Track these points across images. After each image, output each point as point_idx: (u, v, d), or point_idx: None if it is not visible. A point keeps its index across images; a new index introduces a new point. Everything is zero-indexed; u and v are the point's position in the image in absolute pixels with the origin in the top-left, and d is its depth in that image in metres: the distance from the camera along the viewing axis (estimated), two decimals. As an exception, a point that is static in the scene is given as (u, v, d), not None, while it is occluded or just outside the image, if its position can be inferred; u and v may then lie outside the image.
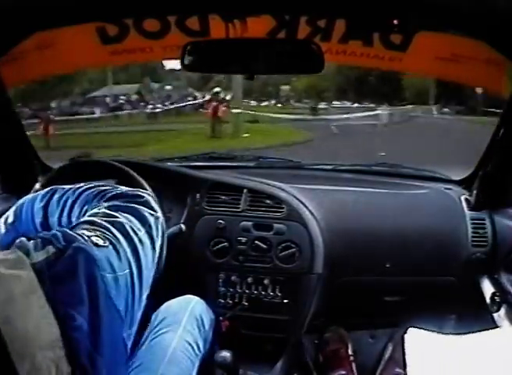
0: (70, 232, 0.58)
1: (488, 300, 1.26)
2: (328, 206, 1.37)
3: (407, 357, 1.22)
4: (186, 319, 1.03)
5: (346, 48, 1.30)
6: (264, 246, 1.29)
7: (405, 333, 1.29)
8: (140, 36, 1.26)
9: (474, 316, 1.34)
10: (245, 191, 1.34)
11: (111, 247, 0.59)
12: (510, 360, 1.04)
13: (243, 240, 1.30)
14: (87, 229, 0.61)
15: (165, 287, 1.15)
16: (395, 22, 0.99)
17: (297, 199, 1.33)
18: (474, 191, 1.37)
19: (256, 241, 1.29)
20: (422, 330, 1.28)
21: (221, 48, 1.01)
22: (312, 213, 1.32)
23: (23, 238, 0.55)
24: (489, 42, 0.91)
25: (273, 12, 1.08)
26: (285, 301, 1.30)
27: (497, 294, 1.23)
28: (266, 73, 1.06)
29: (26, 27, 0.94)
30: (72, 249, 0.54)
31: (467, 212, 1.37)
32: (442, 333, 1.23)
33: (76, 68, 1.45)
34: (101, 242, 0.58)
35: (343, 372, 1.40)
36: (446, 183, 1.52)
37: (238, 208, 1.33)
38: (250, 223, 1.31)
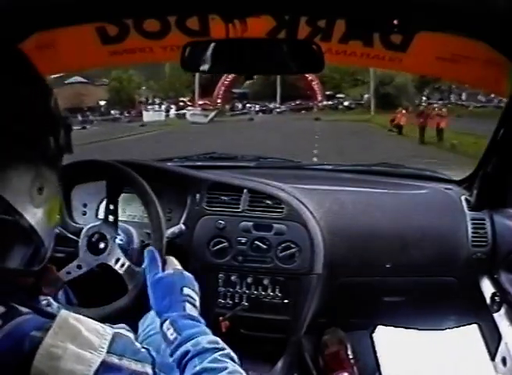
0: None
1: (488, 300, 1.26)
2: (328, 206, 1.37)
3: (378, 352, 1.26)
4: None
5: (346, 48, 1.30)
6: (264, 246, 1.29)
7: (373, 332, 1.33)
8: (140, 36, 1.26)
9: (474, 316, 1.34)
10: (245, 191, 1.34)
11: None
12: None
13: (243, 240, 1.30)
14: None
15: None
16: (395, 22, 0.99)
17: (297, 199, 1.33)
18: (474, 191, 1.37)
19: (256, 241, 1.29)
20: (389, 327, 1.32)
21: (221, 48, 1.01)
22: (312, 213, 1.32)
23: None
24: (489, 42, 0.91)
25: (273, 12, 1.08)
26: (285, 301, 1.30)
27: (497, 294, 1.23)
28: (266, 73, 1.06)
29: (26, 27, 0.94)
30: None
31: (467, 212, 1.37)
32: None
33: (76, 68, 1.45)
34: None
35: (345, 374, 1.40)
36: (446, 183, 1.52)
37: (238, 208, 1.33)
38: (250, 224, 1.31)
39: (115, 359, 0.55)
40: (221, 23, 1.00)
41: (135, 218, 1.33)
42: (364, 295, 1.41)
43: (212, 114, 27.10)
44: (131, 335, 0.62)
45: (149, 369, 0.58)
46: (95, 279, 1.12)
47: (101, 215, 1.37)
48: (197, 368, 0.69)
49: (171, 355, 0.77)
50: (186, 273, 0.94)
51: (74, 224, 1.27)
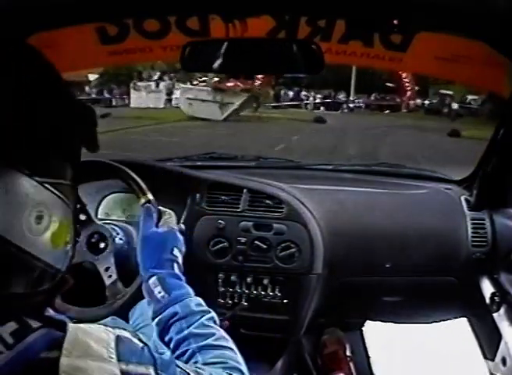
0: None
1: (488, 300, 1.26)
2: (328, 206, 1.37)
3: (368, 347, 1.27)
4: None
5: (346, 48, 1.30)
6: (264, 246, 1.29)
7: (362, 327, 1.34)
8: (140, 36, 1.26)
9: (474, 316, 1.34)
10: (245, 191, 1.34)
11: None
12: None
13: (243, 240, 1.30)
14: None
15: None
16: (395, 22, 0.99)
17: (297, 199, 1.33)
18: (474, 191, 1.37)
19: (256, 241, 1.29)
20: (377, 322, 1.33)
21: (221, 48, 1.01)
22: (312, 213, 1.32)
23: None
24: (489, 42, 0.91)
25: (273, 12, 1.08)
26: (284, 301, 1.30)
27: (497, 294, 1.23)
28: (266, 73, 1.06)
29: (26, 27, 0.94)
30: None
31: (467, 212, 1.37)
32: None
33: (76, 68, 1.45)
34: None
35: (342, 374, 1.41)
36: (446, 183, 1.52)
37: (238, 208, 1.33)
38: (250, 223, 1.31)
39: (123, 366, 0.56)
40: (221, 23, 1.00)
41: (135, 218, 1.33)
42: (363, 295, 1.41)
43: (236, 103, 15.03)
44: (127, 333, 0.63)
45: (152, 371, 0.59)
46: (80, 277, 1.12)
47: (101, 215, 1.38)
48: (185, 332, 0.72)
49: (155, 313, 0.78)
50: (179, 234, 0.96)
51: None
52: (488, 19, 0.80)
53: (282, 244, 1.28)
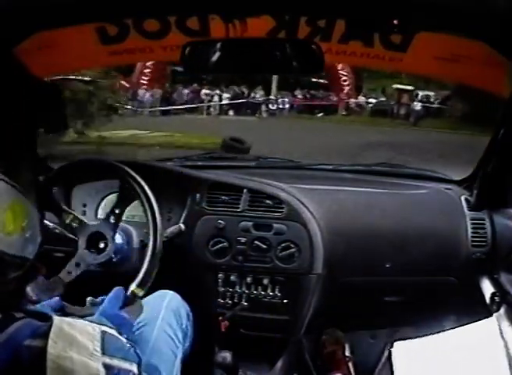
0: None
1: (487, 300, 1.26)
2: (328, 206, 1.37)
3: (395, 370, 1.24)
4: (163, 312, 1.06)
5: (346, 48, 1.30)
6: (264, 246, 1.29)
7: (391, 347, 1.31)
8: (140, 36, 1.26)
9: (474, 316, 1.34)
10: (245, 191, 1.34)
11: None
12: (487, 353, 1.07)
13: (243, 240, 1.30)
14: None
15: (164, 287, 1.16)
16: (395, 22, 0.99)
17: (297, 199, 1.33)
18: (474, 191, 1.37)
19: (256, 241, 1.29)
20: (407, 342, 1.29)
21: (221, 48, 1.01)
22: (312, 213, 1.32)
23: None
24: (489, 42, 0.91)
25: (273, 12, 1.08)
26: (284, 301, 1.30)
27: (497, 294, 1.23)
28: (266, 73, 1.06)
29: (26, 27, 0.94)
30: None
31: (467, 212, 1.37)
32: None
33: (76, 68, 1.45)
34: None
35: (339, 374, 1.41)
36: (446, 183, 1.52)
37: (238, 208, 1.33)
38: (249, 223, 1.31)
39: (107, 359, 0.58)
40: (221, 23, 1.00)
41: (135, 218, 1.33)
42: (363, 295, 1.41)
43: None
44: (114, 331, 0.63)
45: (135, 368, 0.61)
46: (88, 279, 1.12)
47: (101, 215, 1.38)
48: None
49: None
50: (134, 327, 0.93)
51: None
52: (488, 19, 0.80)
53: (282, 244, 1.28)
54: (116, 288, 0.93)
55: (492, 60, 1.08)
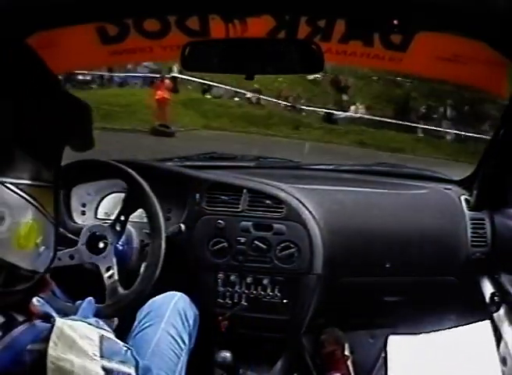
0: None
1: (487, 300, 1.26)
2: (327, 206, 1.37)
3: (388, 363, 1.24)
4: (169, 313, 1.05)
5: (346, 48, 1.30)
6: (264, 246, 1.29)
7: (386, 340, 1.31)
8: (140, 36, 1.26)
9: (473, 316, 1.34)
10: (245, 191, 1.34)
11: None
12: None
13: (243, 240, 1.30)
14: None
15: (164, 287, 1.16)
16: (395, 22, 0.99)
17: (297, 199, 1.33)
18: (474, 191, 1.37)
19: (255, 241, 1.29)
20: (401, 336, 1.29)
21: (221, 48, 1.01)
22: (312, 213, 1.32)
23: None
24: (489, 42, 0.91)
25: (273, 12, 1.08)
26: (284, 301, 1.30)
27: (497, 294, 1.23)
28: (266, 73, 1.06)
29: (26, 27, 0.94)
30: None
31: (467, 212, 1.37)
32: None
33: (76, 68, 1.45)
34: None
35: (338, 374, 1.40)
36: (446, 183, 1.52)
37: (238, 208, 1.33)
38: (249, 223, 1.31)
39: (106, 363, 0.58)
40: (221, 23, 1.00)
41: (135, 218, 1.34)
42: (363, 295, 1.41)
43: None
44: (111, 335, 0.64)
45: (133, 371, 0.62)
46: (84, 274, 1.13)
47: (101, 215, 1.38)
48: None
49: None
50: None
51: (73, 224, 1.27)
52: (488, 19, 0.80)
53: (282, 244, 1.28)
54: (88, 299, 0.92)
55: (492, 60, 1.08)
